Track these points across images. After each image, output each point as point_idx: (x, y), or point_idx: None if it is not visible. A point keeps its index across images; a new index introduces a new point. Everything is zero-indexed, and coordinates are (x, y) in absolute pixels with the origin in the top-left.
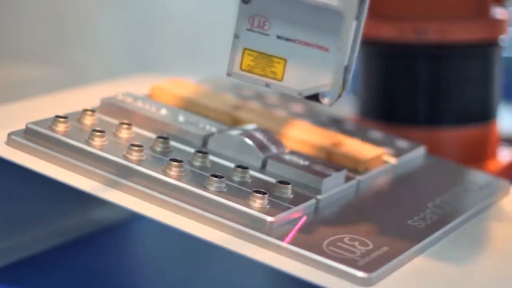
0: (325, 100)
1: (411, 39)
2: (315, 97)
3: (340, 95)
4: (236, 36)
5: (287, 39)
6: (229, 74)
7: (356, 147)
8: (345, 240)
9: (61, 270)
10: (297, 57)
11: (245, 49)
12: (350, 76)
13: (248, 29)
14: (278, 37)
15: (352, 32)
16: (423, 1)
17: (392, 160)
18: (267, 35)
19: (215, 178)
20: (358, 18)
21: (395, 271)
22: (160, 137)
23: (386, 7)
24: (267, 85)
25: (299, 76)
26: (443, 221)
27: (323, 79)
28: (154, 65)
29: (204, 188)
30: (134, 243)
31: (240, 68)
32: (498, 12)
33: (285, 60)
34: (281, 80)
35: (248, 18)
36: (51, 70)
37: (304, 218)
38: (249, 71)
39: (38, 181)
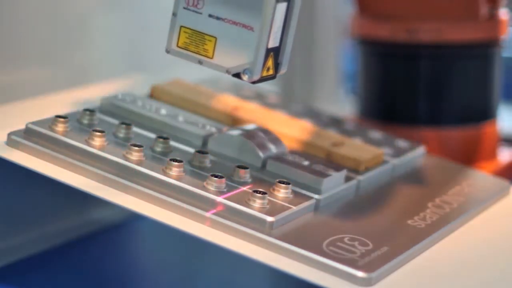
0: (245, 77)
1: (403, 39)
2: (239, 75)
3: (271, 77)
4: (174, 14)
5: (218, 18)
6: (167, 51)
7: (356, 147)
8: (345, 240)
9: (61, 270)
10: (226, 36)
11: (181, 26)
12: (284, 59)
13: (184, 7)
14: (210, 15)
15: (278, 13)
16: (417, 1)
17: (392, 160)
18: (200, 13)
19: (215, 178)
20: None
21: (395, 271)
22: (160, 137)
23: (381, 7)
24: (200, 62)
25: (227, 54)
26: (443, 221)
27: (247, 58)
28: (154, 65)
29: (204, 188)
30: (134, 243)
31: (177, 45)
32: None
33: (215, 38)
34: (212, 57)
35: None
36: (51, 70)
37: (304, 218)
38: (185, 48)
39: (38, 181)
